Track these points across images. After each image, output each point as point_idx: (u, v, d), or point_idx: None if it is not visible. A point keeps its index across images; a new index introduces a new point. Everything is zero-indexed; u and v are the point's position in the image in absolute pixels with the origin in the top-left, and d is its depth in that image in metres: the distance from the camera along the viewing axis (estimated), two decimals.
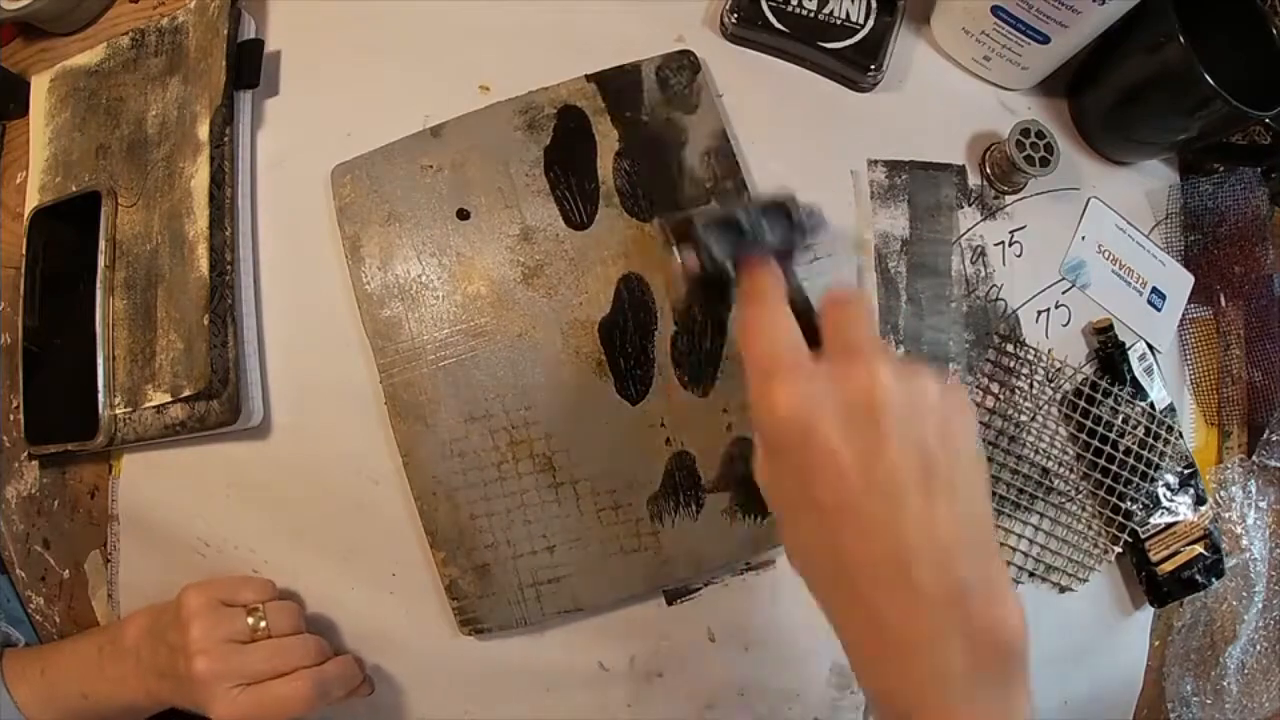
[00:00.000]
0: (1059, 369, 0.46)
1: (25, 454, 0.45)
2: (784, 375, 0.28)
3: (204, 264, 0.40)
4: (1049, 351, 0.46)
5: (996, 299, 0.46)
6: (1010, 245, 0.46)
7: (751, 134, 0.44)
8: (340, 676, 0.39)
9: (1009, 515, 0.45)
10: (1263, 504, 0.50)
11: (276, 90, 0.46)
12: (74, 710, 0.39)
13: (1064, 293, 0.47)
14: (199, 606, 0.38)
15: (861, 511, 0.28)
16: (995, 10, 0.42)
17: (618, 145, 0.43)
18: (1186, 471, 0.46)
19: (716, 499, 0.41)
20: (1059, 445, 0.45)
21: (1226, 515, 0.49)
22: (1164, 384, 0.47)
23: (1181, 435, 0.47)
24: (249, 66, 0.44)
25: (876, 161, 0.45)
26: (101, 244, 0.43)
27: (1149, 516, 0.45)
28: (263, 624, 0.38)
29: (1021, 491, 0.45)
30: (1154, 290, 0.48)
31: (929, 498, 0.27)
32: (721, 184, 0.43)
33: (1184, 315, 0.49)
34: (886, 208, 0.45)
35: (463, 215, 0.42)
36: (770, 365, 0.29)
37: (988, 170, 0.46)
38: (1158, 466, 0.45)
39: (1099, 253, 0.47)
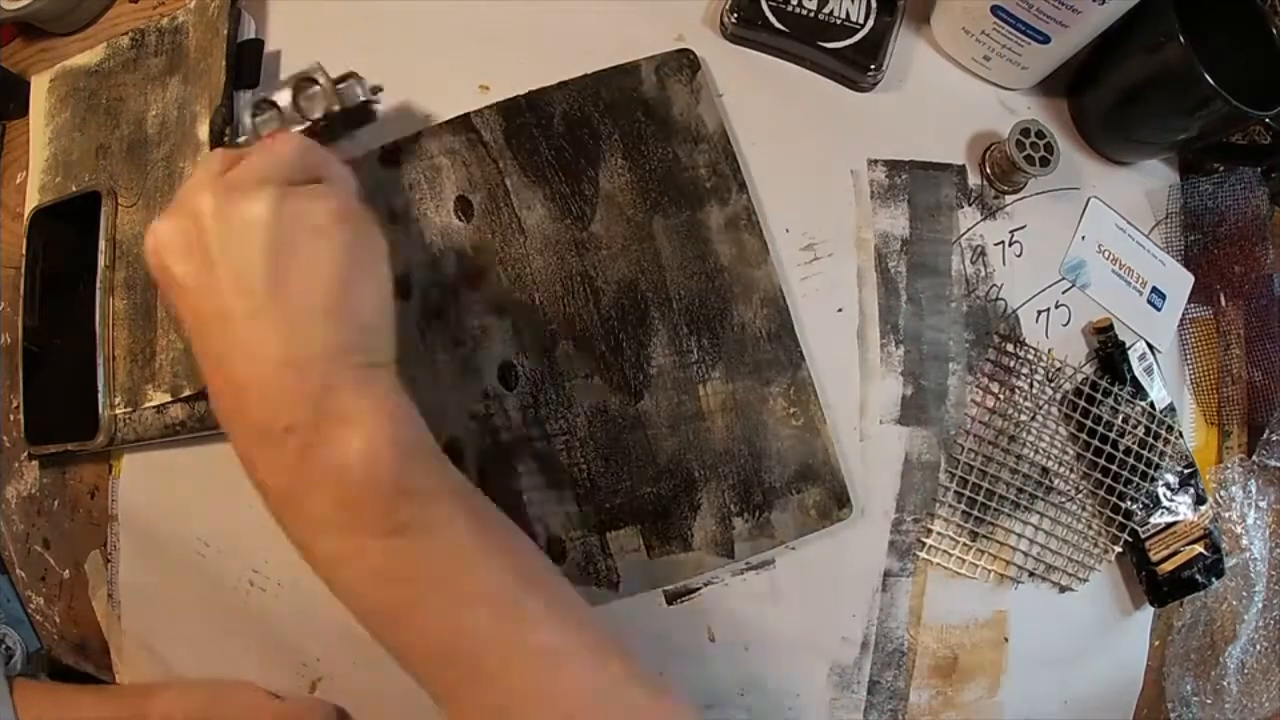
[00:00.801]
0: (1059, 369, 0.46)
1: (25, 454, 0.45)
2: (167, 212, 0.30)
3: None
4: (1049, 351, 0.46)
5: (996, 299, 0.46)
6: (1010, 245, 0.46)
7: (751, 134, 0.44)
8: None
9: (1009, 515, 0.45)
10: (1263, 504, 0.50)
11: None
12: None
13: (1064, 292, 0.47)
14: None
15: (203, 344, 0.29)
16: (995, 10, 0.42)
17: (617, 145, 0.43)
18: (1186, 471, 0.46)
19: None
20: (1059, 445, 0.45)
21: (1226, 515, 0.49)
22: (1164, 384, 0.47)
23: (1181, 435, 0.47)
24: (249, 66, 0.44)
25: (876, 161, 0.45)
26: (101, 244, 0.43)
27: (1149, 516, 0.45)
28: None
29: (1021, 491, 0.45)
30: (1154, 290, 0.48)
31: (251, 331, 0.28)
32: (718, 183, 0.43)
33: (1184, 315, 0.49)
34: (886, 208, 0.45)
35: (463, 215, 0.42)
36: (174, 199, 0.30)
37: (988, 170, 0.46)
38: (1158, 466, 0.45)
39: (1099, 252, 0.47)
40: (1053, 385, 0.46)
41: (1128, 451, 0.45)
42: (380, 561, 0.28)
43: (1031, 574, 0.45)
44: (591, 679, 0.29)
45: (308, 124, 0.38)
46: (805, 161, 0.45)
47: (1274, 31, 0.43)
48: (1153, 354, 0.47)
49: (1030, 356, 0.45)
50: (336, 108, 0.39)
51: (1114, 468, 0.45)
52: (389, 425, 0.28)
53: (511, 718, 0.28)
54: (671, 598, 0.42)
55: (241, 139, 0.38)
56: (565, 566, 0.40)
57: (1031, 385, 0.45)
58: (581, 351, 0.41)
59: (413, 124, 0.43)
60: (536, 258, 0.42)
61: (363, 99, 0.40)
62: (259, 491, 0.29)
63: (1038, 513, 0.45)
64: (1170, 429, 0.46)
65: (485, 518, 0.31)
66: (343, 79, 0.39)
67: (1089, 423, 0.45)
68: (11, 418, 0.46)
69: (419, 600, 0.28)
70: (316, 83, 0.38)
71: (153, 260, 0.30)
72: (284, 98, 0.38)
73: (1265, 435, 0.49)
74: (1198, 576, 0.45)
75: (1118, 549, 0.45)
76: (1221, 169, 0.51)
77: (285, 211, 0.28)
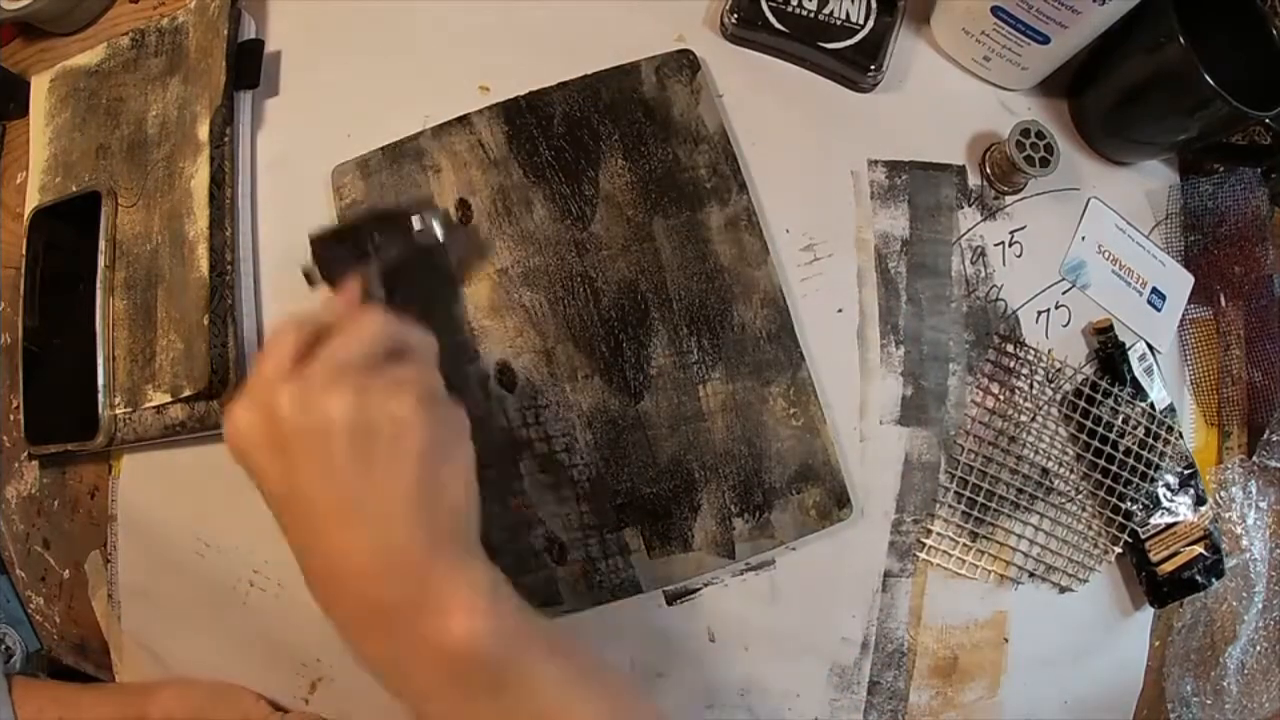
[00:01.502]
0: (1059, 369, 0.46)
1: (25, 454, 0.45)
2: (243, 401, 0.30)
3: (204, 264, 0.40)
4: (1049, 352, 0.46)
5: (996, 299, 0.46)
6: (1010, 245, 0.46)
7: (751, 134, 0.44)
8: None
9: (1009, 515, 0.45)
10: (1263, 504, 0.50)
11: (276, 90, 0.46)
12: None
13: (1064, 293, 0.47)
14: None
15: (296, 539, 0.30)
16: (995, 10, 0.42)
17: (617, 145, 0.43)
18: (1186, 472, 0.46)
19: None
20: (1059, 445, 0.45)
21: (1226, 515, 0.49)
22: (1164, 384, 0.47)
23: (1181, 435, 0.47)
24: (249, 66, 0.44)
25: (876, 161, 0.45)
26: (101, 244, 0.43)
27: (1149, 517, 0.45)
28: None
29: (1021, 491, 0.45)
30: (1154, 290, 0.48)
31: (343, 526, 0.28)
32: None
33: (1184, 315, 0.49)
34: (886, 208, 0.45)
35: (464, 215, 0.42)
36: (247, 385, 0.31)
37: (988, 170, 0.46)
38: (1158, 467, 0.45)
39: (1099, 253, 0.47)
40: (1053, 386, 0.46)
41: (1128, 452, 0.45)
42: (489, 714, 0.29)
43: (1031, 574, 0.45)
44: None
45: (380, 264, 0.36)
46: (805, 162, 0.45)
47: (1274, 31, 0.43)
48: (1153, 354, 0.47)
49: (1030, 357, 0.45)
50: (412, 250, 0.37)
51: (1114, 468, 0.45)
52: (487, 604, 0.29)
53: None
54: (671, 598, 0.42)
55: (310, 265, 0.37)
56: (565, 567, 0.40)
57: (1031, 386, 0.45)
58: (581, 352, 0.41)
59: (413, 125, 0.43)
60: (536, 258, 0.42)
61: (439, 239, 0.38)
62: (369, 667, 0.30)
63: (1038, 513, 0.45)
64: (1170, 429, 0.46)
65: (573, 657, 0.32)
66: (412, 212, 0.37)
67: (1089, 423, 0.45)
68: (11, 418, 0.46)
69: None
70: (396, 223, 0.36)
71: (232, 448, 0.30)
72: (358, 233, 0.36)
73: (1265, 436, 0.49)
74: (1198, 577, 0.45)
75: (1118, 549, 0.45)
76: (1221, 169, 0.51)
77: (367, 408, 0.29)
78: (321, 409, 0.28)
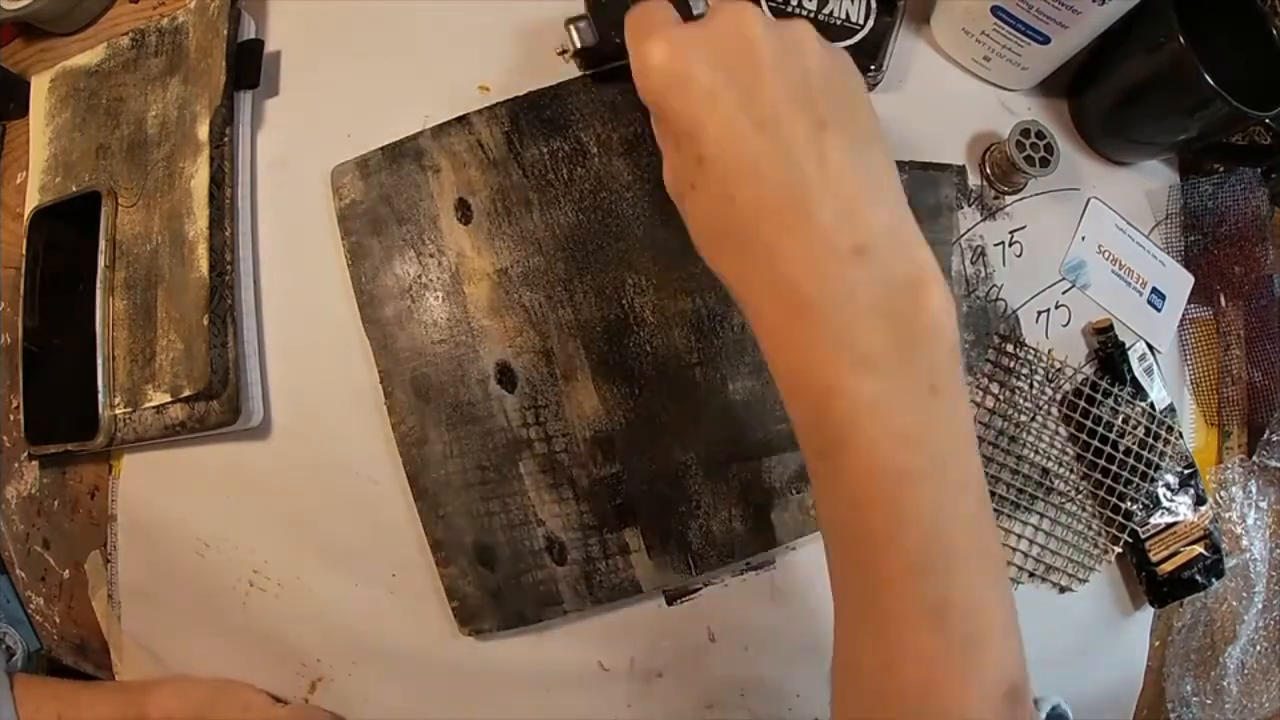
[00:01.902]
0: (1059, 369, 0.46)
1: (25, 454, 0.45)
2: (657, 33, 0.27)
3: (204, 264, 0.40)
4: (1049, 352, 0.46)
5: (996, 299, 0.46)
6: (1010, 245, 0.46)
7: None
8: None
9: (1009, 515, 0.45)
10: (1263, 504, 0.50)
11: (276, 90, 0.46)
12: None
13: (1064, 293, 0.47)
14: None
15: (751, 152, 0.26)
16: (995, 10, 0.42)
17: (617, 146, 0.43)
18: (1186, 471, 0.46)
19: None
20: (1059, 445, 0.45)
21: (1226, 515, 0.49)
22: (1164, 384, 0.47)
23: (1181, 435, 0.47)
24: (249, 67, 0.44)
25: None
26: (101, 244, 0.43)
27: (1149, 516, 0.45)
28: None
29: (1021, 491, 0.45)
30: (1154, 290, 0.48)
31: (819, 133, 0.26)
32: None
33: (1184, 315, 0.49)
34: None
35: (463, 215, 0.42)
36: (648, 28, 0.28)
37: (988, 170, 0.46)
38: (1158, 466, 0.45)
39: (1099, 253, 0.47)
40: (1053, 385, 0.46)
41: (1128, 452, 0.45)
42: (911, 419, 0.25)
43: (1031, 574, 0.45)
44: (1007, 600, 0.27)
45: None
46: None
47: (1274, 31, 0.43)
48: (1153, 354, 0.47)
49: (1030, 357, 0.45)
50: None
51: (1114, 468, 0.45)
52: (945, 280, 0.26)
53: (955, 616, 0.26)
54: (671, 598, 0.42)
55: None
56: (565, 567, 0.41)
57: (1031, 385, 0.45)
58: (581, 352, 0.41)
59: (412, 125, 0.43)
60: (536, 258, 0.42)
61: None
62: (775, 310, 0.26)
63: (1038, 513, 0.45)
64: (1170, 429, 0.46)
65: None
66: None
67: (1089, 423, 0.45)
68: (11, 418, 0.46)
69: (930, 472, 0.25)
70: None
71: (669, 70, 0.27)
72: None
73: (1265, 435, 0.49)
74: (1198, 577, 0.46)
75: (1118, 549, 0.45)
76: (1221, 169, 0.51)
77: (824, 51, 0.27)
78: (795, 36, 0.26)
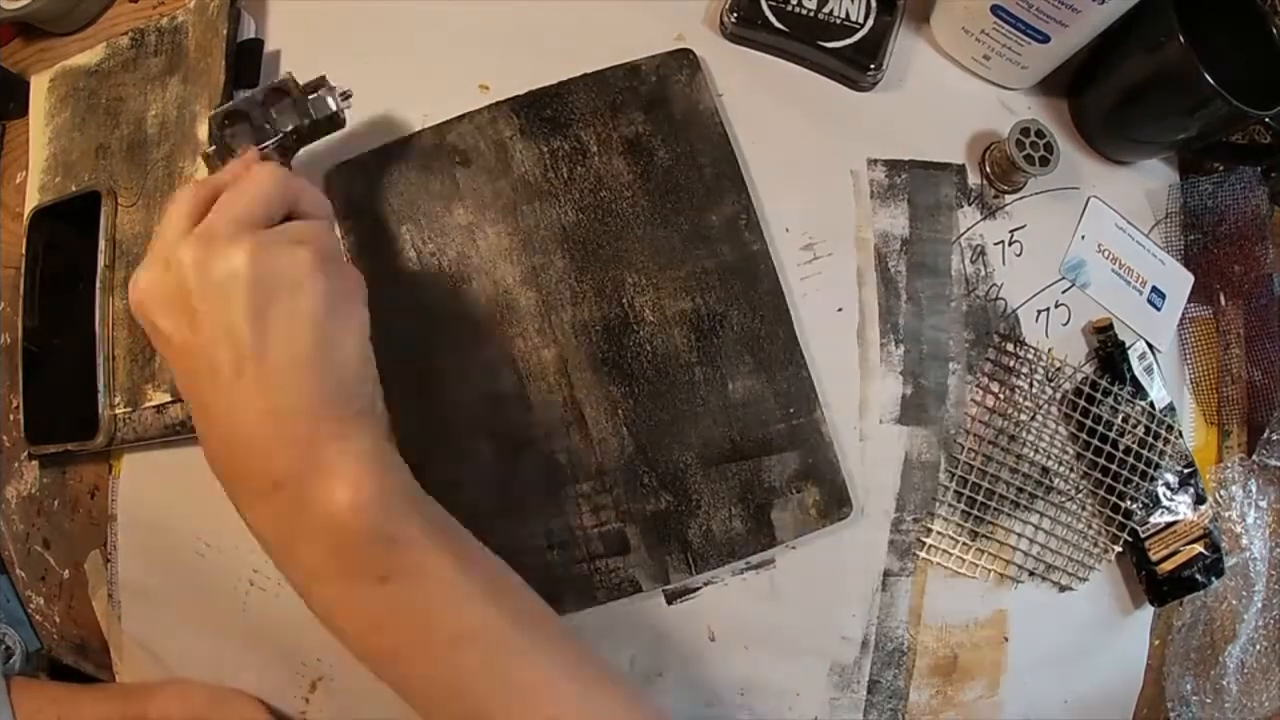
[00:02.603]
0: (1059, 368, 0.46)
1: (25, 454, 0.45)
2: (147, 262, 0.30)
3: None
4: (1049, 351, 0.46)
5: (996, 298, 0.46)
6: (1010, 244, 0.46)
7: (751, 134, 0.44)
8: None
9: (1009, 514, 0.45)
10: (1263, 503, 0.50)
11: None
12: None
13: (1064, 292, 0.47)
14: None
15: (194, 399, 0.30)
16: (995, 9, 0.42)
17: (617, 145, 0.43)
18: (1186, 471, 0.46)
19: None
20: (1059, 445, 0.45)
21: (1226, 514, 0.49)
22: (1164, 383, 0.47)
23: (1181, 434, 0.47)
24: (248, 66, 0.44)
25: (876, 161, 0.45)
26: (101, 244, 0.43)
27: (1149, 516, 0.46)
28: None
29: (1021, 490, 0.45)
30: (1154, 289, 0.48)
31: (237, 384, 0.28)
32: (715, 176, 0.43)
33: (1184, 315, 0.49)
34: (886, 207, 0.45)
35: (463, 214, 0.42)
36: (149, 247, 0.31)
37: (987, 170, 0.46)
38: (1158, 466, 0.45)
39: (1099, 252, 0.47)
40: (1053, 385, 0.46)
41: (1128, 451, 0.45)
42: (372, 609, 0.29)
43: (1031, 573, 0.45)
44: (577, 707, 0.31)
45: (279, 136, 0.37)
46: (805, 161, 0.45)
47: (1274, 31, 0.43)
48: (1153, 353, 0.47)
49: (1030, 356, 0.45)
50: (307, 120, 0.38)
51: (1114, 467, 0.45)
52: (373, 474, 0.29)
53: None
54: (671, 598, 0.42)
55: (210, 148, 0.38)
56: (565, 567, 0.40)
57: (1031, 385, 0.45)
58: (581, 352, 0.41)
59: (412, 124, 0.43)
60: (536, 258, 0.42)
61: (333, 109, 0.38)
62: (259, 543, 0.30)
63: (1038, 512, 0.45)
64: (1170, 428, 0.46)
65: (469, 556, 0.32)
66: (313, 88, 0.38)
67: (1089, 422, 0.45)
68: (11, 418, 0.46)
69: (413, 644, 0.29)
70: (288, 94, 0.37)
71: (138, 311, 0.30)
72: (254, 109, 0.37)
73: (1265, 435, 0.49)
74: (1197, 576, 0.46)
75: (1118, 548, 0.45)
76: (1221, 169, 0.51)
77: (263, 264, 0.28)
78: (220, 265, 0.28)
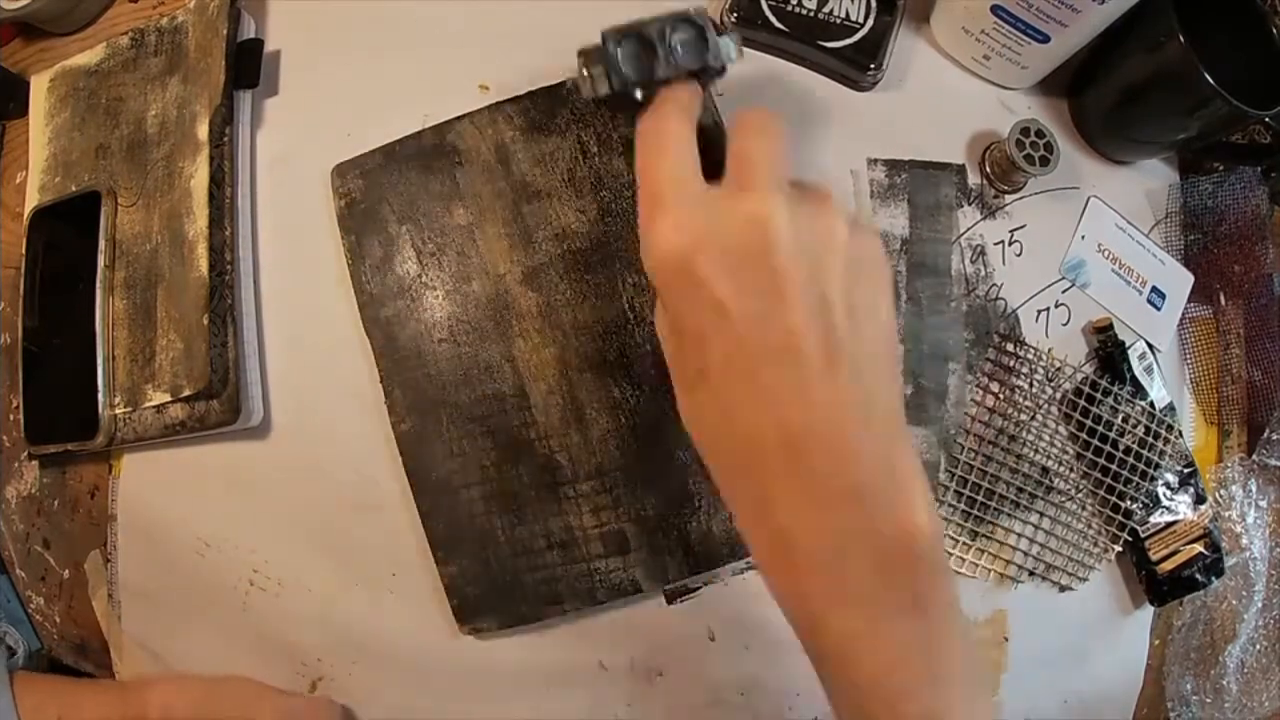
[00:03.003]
0: (1059, 368, 0.46)
1: (25, 454, 0.45)
2: (671, 203, 0.25)
3: (204, 264, 0.40)
4: (1049, 351, 0.46)
5: (996, 298, 0.46)
6: (1010, 244, 0.46)
7: None
8: None
9: (1008, 514, 0.45)
10: (1263, 503, 0.50)
11: (276, 90, 0.46)
12: None
13: (1064, 292, 0.47)
14: None
15: (754, 380, 0.24)
16: (995, 9, 0.42)
17: (617, 146, 0.43)
18: (1186, 470, 0.46)
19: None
20: (1059, 444, 0.46)
21: (1226, 514, 0.49)
22: (1164, 383, 0.47)
23: (1181, 434, 0.47)
24: (249, 66, 0.44)
25: (876, 161, 0.45)
26: (101, 244, 0.43)
27: (1149, 515, 0.46)
28: None
29: (1021, 491, 0.45)
30: (1154, 289, 0.48)
31: (829, 370, 0.24)
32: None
33: (1184, 314, 0.49)
34: (886, 207, 0.45)
35: (463, 214, 0.42)
36: (659, 191, 0.25)
37: (987, 169, 0.46)
38: (1158, 465, 0.45)
39: (1099, 252, 0.47)
40: (1053, 385, 0.46)
41: (1128, 451, 0.45)
42: (904, 638, 0.25)
43: (1031, 573, 0.45)
44: None
45: (691, 73, 0.30)
46: (805, 161, 0.45)
47: (1274, 31, 0.43)
48: (1153, 353, 0.47)
49: (1030, 356, 0.45)
50: (718, 64, 0.30)
51: (1114, 467, 0.45)
52: (930, 496, 0.25)
53: None
54: (671, 597, 0.42)
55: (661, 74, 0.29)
56: (565, 567, 0.40)
57: (1031, 385, 0.45)
58: (583, 352, 0.41)
59: (412, 124, 0.43)
60: (537, 258, 0.42)
61: (734, 59, 0.31)
62: (770, 549, 0.25)
63: (1038, 512, 0.45)
64: (1170, 428, 0.46)
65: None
66: (719, 31, 0.31)
67: (1089, 422, 0.45)
68: (11, 418, 0.46)
69: (919, 682, 0.25)
70: (700, 29, 0.30)
71: (675, 264, 0.24)
72: (659, 38, 0.29)
73: (1265, 434, 0.49)
74: (1197, 576, 0.46)
75: (1118, 548, 0.45)
76: (1221, 169, 0.51)
77: (854, 240, 0.25)
78: (822, 232, 0.24)
